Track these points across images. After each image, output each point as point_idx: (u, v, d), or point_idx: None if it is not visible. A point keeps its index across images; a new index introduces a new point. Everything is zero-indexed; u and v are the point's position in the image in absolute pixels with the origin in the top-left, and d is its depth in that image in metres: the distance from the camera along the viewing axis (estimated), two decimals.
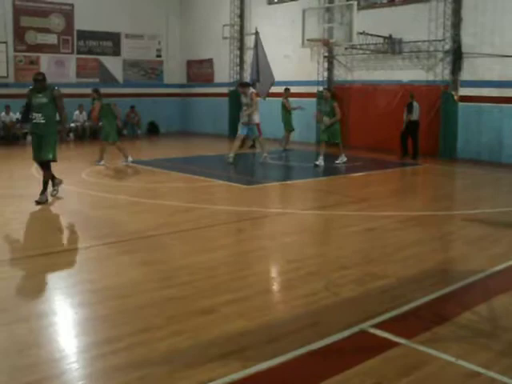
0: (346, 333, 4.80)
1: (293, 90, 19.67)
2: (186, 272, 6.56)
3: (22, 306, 5.63)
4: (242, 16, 24.43)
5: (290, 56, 21.74)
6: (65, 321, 5.33)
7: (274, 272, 7.00)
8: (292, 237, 8.42)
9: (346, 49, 20.18)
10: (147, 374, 4.15)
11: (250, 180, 13.14)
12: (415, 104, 17.27)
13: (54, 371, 4.26)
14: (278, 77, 19.87)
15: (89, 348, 4.61)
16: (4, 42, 22.65)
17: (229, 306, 5.44)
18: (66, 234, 8.83)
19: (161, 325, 5.02)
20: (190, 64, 26.97)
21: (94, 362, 4.36)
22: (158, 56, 26.94)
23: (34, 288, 6.27)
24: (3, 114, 22.59)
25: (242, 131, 16.00)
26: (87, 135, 23.93)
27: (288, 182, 13.53)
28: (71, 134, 23.37)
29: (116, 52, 25.87)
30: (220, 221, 9.39)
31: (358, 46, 19.14)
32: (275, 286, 6.45)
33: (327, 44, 19.69)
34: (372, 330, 4.86)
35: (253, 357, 4.37)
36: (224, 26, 24.39)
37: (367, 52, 19.55)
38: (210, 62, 25.75)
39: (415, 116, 17.27)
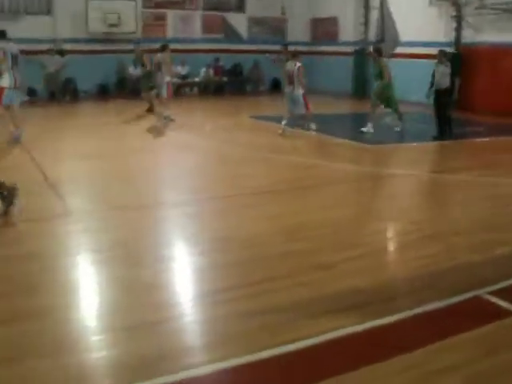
0: (462, 297, 4.81)
1: (417, 51, 19.18)
2: (308, 227, 6.76)
3: (149, 251, 6.01)
4: None
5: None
6: (189, 267, 5.72)
7: (392, 232, 7.06)
8: (412, 199, 8.43)
9: (475, 8, 19.39)
10: (269, 320, 4.38)
11: (371, 140, 13.03)
12: None
13: (178, 312, 4.62)
14: (402, 37, 19.41)
15: (212, 293, 4.88)
16: (133, 0, 23.28)
17: (349, 263, 5.59)
18: (192, 185, 9.21)
19: (284, 276, 5.24)
20: (314, 22, 26.75)
21: (217, 307, 4.64)
22: (282, 13, 26.88)
23: (162, 234, 6.66)
24: (131, 68, 23.33)
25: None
26: (211, 90, 24.46)
27: (409, 144, 13.31)
28: (195, 89, 24.00)
29: (241, 9, 26.04)
30: (342, 179, 9.48)
31: (490, 6, 18.33)
32: (393, 246, 6.54)
33: (456, 3, 19.01)
34: (488, 297, 4.82)
35: (371, 312, 4.50)
36: None
37: (499, 12, 18.70)
38: (334, 20, 25.40)
39: None
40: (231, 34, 25.65)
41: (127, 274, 5.30)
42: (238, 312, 4.50)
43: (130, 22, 23.21)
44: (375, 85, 14.72)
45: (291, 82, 13.42)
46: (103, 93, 22.95)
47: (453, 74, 13.51)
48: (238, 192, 8.53)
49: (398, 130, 14.14)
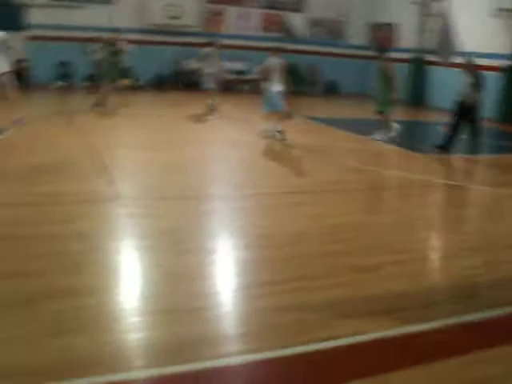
0: (502, 311, 4.75)
1: (478, 61, 18.87)
2: (352, 228, 6.79)
3: (193, 241, 6.11)
4: None
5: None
6: (230, 259, 5.81)
7: (437, 240, 7.01)
8: (461, 209, 8.34)
9: None
10: (303, 317, 4.41)
11: (423, 148, 12.88)
12: None
13: (217, 302, 4.71)
14: (462, 46, 19.15)
15: (250, 286, 4.96)
16: None
17: (388, 267, 5.58)
18: (239, 180, 9.31)
19: (321, 275, 5.28)
20: (374, 26, 26.59)
21: (254, 300, 4.71)
22: (342, 16, 26.79)
23: (206, 225, 6.80)
24: (189, 61, 23.57)
25: None
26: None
27: (461, 156, 13.09)
28: (247, 86, 24.12)
29: (300, 9, 26.03)
30: (389, 185, 9.45)
31: None
32: (436, 255, 6.50)
33: None
34: None
35: (405, 318, 4.49)
36: None
37: None
38: (393, 26, 25.22)
39: None
40: (289, 34, 25.65)
41: (170, 262, 5.41)
42: (273, 306, 4.55)
43: (191, 15, 23.43)
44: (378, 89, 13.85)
45: (271, 79, 12.74)
46: (160, 83, 23.20)
47: (477, 87, 12.38)
48: (283, 189, 8.58)
49: (394, 134, 13.45)
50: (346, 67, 26.05)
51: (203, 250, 5.86)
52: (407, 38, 24.04)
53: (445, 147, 12.18)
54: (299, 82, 25.34)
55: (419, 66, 23.07)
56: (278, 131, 12.59)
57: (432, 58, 21.92)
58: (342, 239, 6.37)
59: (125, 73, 21.44)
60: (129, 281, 5.10)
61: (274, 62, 12.77)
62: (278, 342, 4.03)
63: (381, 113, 13.52)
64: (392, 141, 13.02)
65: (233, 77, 24.31)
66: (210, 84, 16.28)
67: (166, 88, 22.77)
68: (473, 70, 12.43)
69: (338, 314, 4.49)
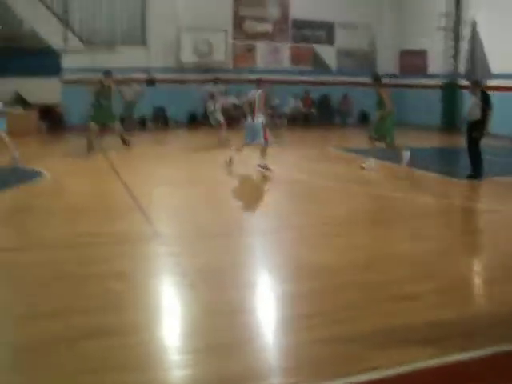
0: None
1: (509, 83, 18.76)
2: (388, 258, 6.79)
3: (232, 276, 6.16)
4: (458, 5, 23.58)
5: None
6: (270, 293, 5.85)
7: (478, 267, 6.98)
8: (499, 234, 8.20)
9: None
10: (345, 348, 4.43)
11: (457, 173, 12.78)
12: None
13: (257, 336, 4.75)
14: (496, 70, 19.07)
15: (290, 319, 4.99)
16: (224, 31, 23.84)
17: (429, 295, 5.56)
18: (275, 213, 9.33)
19: (361, 305, 5.29)
20: (403, 54, 26.62)
21: (294, 333, 4.72)
22: (371, 45, 26.91)
23: (245, 260, 6.88)
24: (222, 98, 23.90)
25: None
26: (299, 121, 24.65)
27: (495, 179, 12.83)
28: (283, 120, 24.29)
29: (330, 40, 26.20)
30: (426, 212, 9.39)
31: None
32: (478, 281, 6.46)
33: None
34: None
35: (449, 346, 4.46)
36: (439, 15, 23.77)
37: None
38: (423, 52, 25.19)
39: None
40: (320, 66, 25.81)
41: (210, 298, 5.45)
42: (314, 339, 4.56)
43: (221, 52, 23.76)
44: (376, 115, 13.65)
45: (253, 111, 12.54)
46: (193, 121, 23.47)
47: (485, 106, 12.00)
48: (319, 221, 8.61)
49: (406, 162, 13.02)
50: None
51: (242, 284, 5.90)
52: (438, 63, 24.03)
53: (473, 176, 11.91)
54: (331, 114, 25.46)
55: (451, 91, 23.00)
56: (261, 165, 12.41)
57: (464, 82, 21.88)
58: (380, 269, 6.37)
59: (157, 112, 21.84)
60: (170, 318, 5.16)
61: (256, 93, 12.65)
62: (320, 374, 4.04)
63: (387, 144, 13.27)
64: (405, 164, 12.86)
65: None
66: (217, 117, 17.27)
67: (198, 125, 23.01)
68: (479, 90, 12.23)
69: (380, 345, 4.48)
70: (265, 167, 12.33)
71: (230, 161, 12.58)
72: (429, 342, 4.50)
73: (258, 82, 13.12)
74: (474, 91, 12.31)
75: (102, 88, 16.27)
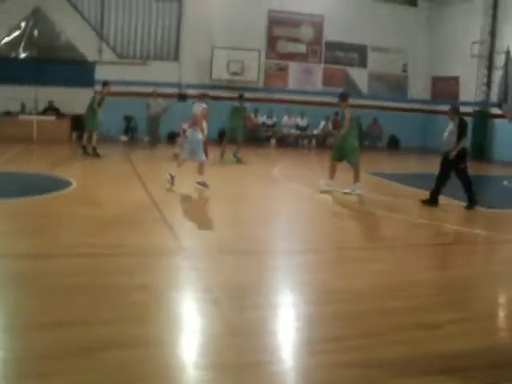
0: None
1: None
2: (413, 286, 6.69)
3: (255, 295, 6.12)
4: (492, 33, 23.47)
5: None
6: (292, 314, 5.79)
7: (503, 298, 6.84)
8: None
9: None
10: (365, 374, 4.38)
11: (483, 203, 12.63)
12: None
13: (276, 357, 4.69)
14: None
15: (311, 343, 4.93)
16: (257, 50, 23.97)
17: (453, 325, 5.47)
18: (303, 235, 9.30)
19: (384, 332, 5.23)
20: (435, 80, 26.54)
21: (314, 356, 4.67)
22: (404, 71, 26.86)
23: (269, 280, 6.82)
24: (251, 116, 24.02)
25: None
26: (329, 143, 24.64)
27: None
28: (313, 141, 24.30)
29: (362, 64, 26.22)
30: (451, 240, 9.31)
31: None
32: (503, 312, 6.33)
33: None
34: None
35: (472, 378, 4.40)
36: (473, 43, 23.69)
37: None
38: (455, 79, 25.11)
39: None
40: (352, 88, 25.80)
41: (232, 316, 5.44)
42: (334, 362, 4.52)
43: (253, 71, 23.87)
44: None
45: (193, 125, 12.27)
46: (222, 137, 23.53)
47: (460, 135, 11.71)
48: (346, 245, 8.57)
49: (358, 193, 12.55)
50: (407, 121, 25.94)
51: (265, 304, 5.86)
52: (470, 90, 23.90)
53: (471, 205, 11.68)
54: (361, 137, 25.38)
55: (482, 119, 22.85)
56: (199, 182, 12.05)
57: (496, 110, 21.76)
58: (405, 296, 6.29)
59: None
60: (191, 334, 5.14)
61: (198, 108, 12.36)
62: None
63: (351, 163, 12.79)
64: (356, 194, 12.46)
65: (294, 132, 24.57)
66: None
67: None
68: (457, 117, 11.92)
69: (399, 373, 4.41)
70: (203, 184, 12.00)
71: (171, 178, 11.89)
72: (450, 373, 4.43)
73: (201, 96, 12.92)
74: (452, 118, 11.99)
75: (102, 97, 16.83)
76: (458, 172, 11.76)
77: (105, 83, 17.35)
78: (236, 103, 18.65)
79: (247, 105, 18.84)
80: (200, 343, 4.91)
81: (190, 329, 5.25)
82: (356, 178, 12.63)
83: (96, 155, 16.72)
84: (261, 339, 4.91)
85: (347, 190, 12.51)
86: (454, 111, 12.01)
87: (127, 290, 5.89)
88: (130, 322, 5.07)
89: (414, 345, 4.94)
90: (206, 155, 12.40)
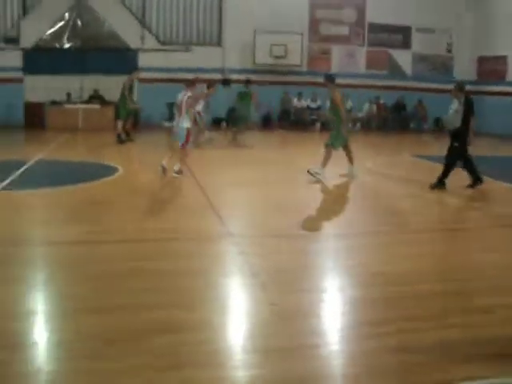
0: None
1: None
2: (465, 269, 6.60)
3: (307, 279, 6.10)
4: None
5: None
6: (339, 298, 5.76)
7: None
8: None
9: None
10: (414, 359, 4.30)
11: None
12: None
13: (324, 341, 4.70)
14: None
15: (359, 326, 4.90)
16: (300, 34, 23.83)
17: (507, 309, 5.36)
18: (348, 218, 9.27)
19: (435, 316, 5.15)
20: (481, 60, 26.03)
21: (362, 340, 4.64)
22: (449, 51, 26.43)
23: (316, 264, 6.80)
24: (295, 100, 23.96)
25: None
26: (374, 126, 24.50)
27: None
28: (358, 124, 24.13)
29: (406, 45, 25.87)
30: (504, 223, 9.11)
31: None
32: None
33: None
34: None
35: None
36: None
37: None
38: (503, 58, 24.59)
39: None
40: (396, 70, 25.50)
41: (280, 300, 5.41)
42: (384, 347, 4.48)
43: (296, 54, 23.75)
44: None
45: (180, 113, 11.87)
46: (267, 123, 23.57)
47: (468, 113, 11.12)
48: (392, 228, 8.47)
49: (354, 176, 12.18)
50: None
51: (314, 288, 5.85)
52: None
53: (475, 183, 11.30)
54: (406, 119, 25.14)
55: None
56: (176, 171, 11.64)
57: None
58: (455, 279, 6.22)
59: (230, 113, 22.00)
60: (240, 318, 5.17)
61: (184, 95, 11.94)
62: (386, 383, 3.97)
63: (327, 146, 11.96)
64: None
65: None
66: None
67: (272, 127, 23.11)
68: (462, 95, 11.35)
69: (450, 357, 4.33)
70: (178, 172, 11.66)
71: (164, 168, 11.40)
72: (502, 357, 4.35)
73: (188, 84, 12.42)
74: (456, 96, 11.46)
75: (130, 83, 17.09)
76: (451, 150, 11.33)
77: (134, 69, 17.53)
78: (243, 88, 18.61)
79: (254, 89, 18.69)
80: (248, 327, 4.93)
81: (238, 313, 5.28)
82: (324, 162, 11.78)
83: (130, 140, 17.13)
84: (308, 323, 4.89)
85: (314, 172, 11.66)
86: (459, 89, 11.48)
87: (178, 275, 5.96)
88: (179, 307, 5.11)
89: (464, 329, 4.86)
90: (186, 142, 11.85)
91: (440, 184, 11.16)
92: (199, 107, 16.38)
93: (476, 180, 11.29)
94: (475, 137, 11.43)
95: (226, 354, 4.35)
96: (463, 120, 11.13)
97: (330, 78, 12.32)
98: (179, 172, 11.71)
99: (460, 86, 11.60)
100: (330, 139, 11.96)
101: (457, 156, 11.24)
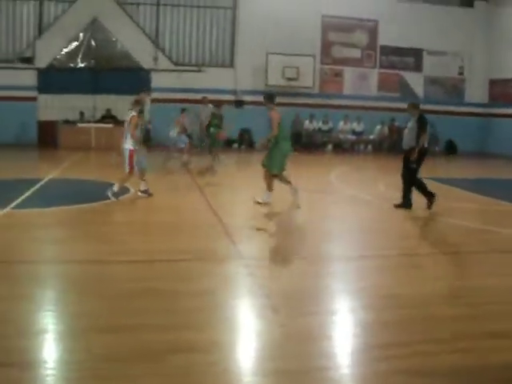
0: None
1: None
2: (476, 293, 6.54)
3: (313, 302, 6.06)
4: None
5: None
6: (350, 320, 5.72)
7: None
8: None
9: None
10: (426, 383, 4.28)
11: None
12: None
13: (334, 363, 4.67)
14: None
15: (370, 349, 4.87)
16: (312, 56, 23.93)
17: None
18: (361, 241, 9.26)
19: (447, 339, 5.10)
20: (493, 83, 26.06)
21: (372, 363, 4.62)
22: (460, 73, 26.45)
23: (328, 286, 6.76)
24: (307, 122, 24.01)
25: None
26: (385, 148, 24.51)
27: None
28: (369, 146, 24.18)
29: (417, 68, 25.95)
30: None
31: None
32: None
33: None
34: None
35: None
36: None
37: None
38: None
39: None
40: (407, 93, 25.52)
41: (291, 322, 5.40)
42: (395, 370, 4.45)
43: (308, 76, 23.83)
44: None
45: (124, 134, 11.43)
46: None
47: (420, 132, 10.92)
48: (404, 251, 8.42)
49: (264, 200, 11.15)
50: (464, 125, 25.51)
51: (324, 310, 5.84)
52: None
53: (403, 205, 11.35)
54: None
55: None
56: (141, 190, 11.56)
57: None
58: (467, 303, 6.15)
59: (242, 134, 22.07)
60: (250, 339, 5.14)
61: (130, 115, 11.44)
62: None
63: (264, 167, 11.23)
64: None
65: (350, 137, 24.49)
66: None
67: None
68: (416, 112, 11.18)
69: (462, 382, 4.32)
70: (146, 192, 11.55)
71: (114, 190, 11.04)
72: None
73: (135, 102, 11.80)
74: (411, 113, 11.27)
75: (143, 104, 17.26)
76: (407, 170, 11.24)
77: (147, 90, 17.60)
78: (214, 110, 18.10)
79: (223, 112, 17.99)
80: (258, 349, 4.90)
81: (249, 335, 5.25)
82: (269, 187, 11.19)
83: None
84: (318, 345, 4.88)
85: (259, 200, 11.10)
86: (414, 106, 11.39)
87: (187, 296, 5.95)
88: (190, 328, 5.10)
89: (477, 354, 4.81)
90: (130, 170, 11.36)
91: (407, 205, 11.22)
92: (172, 133, 17.02)
93: (431, 197, 11.24)
94: (427, 156, 11.47)
95: (235, 376, 4.33)
96: (416, 138, 10.99)
97: (268, 97, 11.54)
98: (144, 192, 11.54)
99: (414, 104, 11.56)
100: (266, 160, 11.19)
101: (414, 175, 11.23)
